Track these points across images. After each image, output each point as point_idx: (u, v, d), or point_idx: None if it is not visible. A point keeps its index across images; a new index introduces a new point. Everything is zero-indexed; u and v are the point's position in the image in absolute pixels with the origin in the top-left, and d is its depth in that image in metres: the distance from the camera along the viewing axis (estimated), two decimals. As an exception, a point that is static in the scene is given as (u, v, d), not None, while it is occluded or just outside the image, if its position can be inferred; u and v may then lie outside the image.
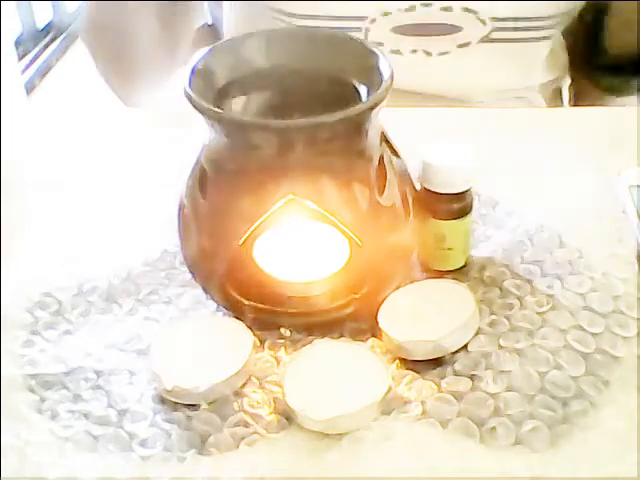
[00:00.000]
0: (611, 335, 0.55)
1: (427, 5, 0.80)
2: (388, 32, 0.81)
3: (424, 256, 0.60)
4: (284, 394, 0.51)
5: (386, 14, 0.80)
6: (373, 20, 0.80)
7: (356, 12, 0.79)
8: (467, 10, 0.80)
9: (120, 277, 0.61)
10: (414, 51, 0.83)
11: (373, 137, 0.52)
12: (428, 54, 0.83)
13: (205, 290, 0.58)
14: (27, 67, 2.11)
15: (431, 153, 0.57)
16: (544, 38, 0.85)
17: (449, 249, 0.59)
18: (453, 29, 0.82)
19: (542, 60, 0.88)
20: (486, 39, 0.82)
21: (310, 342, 0.55)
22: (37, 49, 2.20)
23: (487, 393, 0.52)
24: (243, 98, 0.55)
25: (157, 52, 0.89)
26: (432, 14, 0.80)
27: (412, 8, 0.80)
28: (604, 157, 0.70)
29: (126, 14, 0.85)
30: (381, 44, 0.81)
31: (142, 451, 0.50)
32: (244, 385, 0.53)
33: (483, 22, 0.81)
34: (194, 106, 0.50)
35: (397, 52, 0.82)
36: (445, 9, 0.80)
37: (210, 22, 0.97)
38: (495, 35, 0.82)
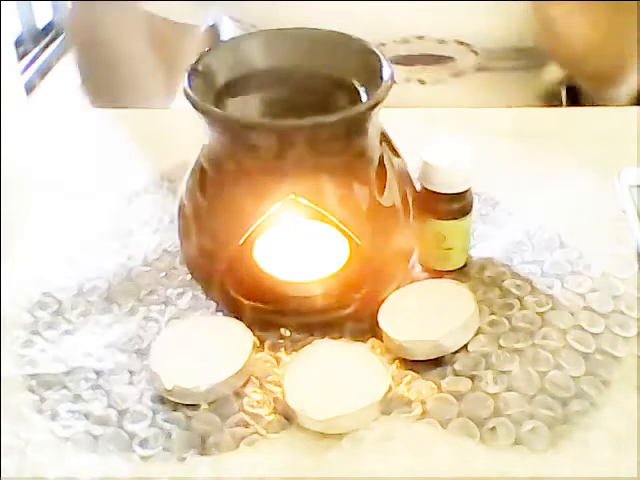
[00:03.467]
0: (611, 335, 0.55)
1: (420, 38, 0.81)
2: None
3: (424, 256, 0.60)
4: (284, 394, 0.51)
5: (380, 45, 0.80)
6: None
7: None
8: (460, 42, 0.81)
9: (120, 277, 0.61)
10: (408, 80, 0.83)
11: (373, 137, 0.52)
12: (422, 83, 0.83)
13: (205, 290, 0.58)
14: (27, 67, 2.11)
15: (431, 153, 0.57)
16: (539, 65, 0.85)
17: (449, 249, 0.59)
18: (446, 59, 0.82)
19: (539, 84, 0.88)
20: (479, 68, 0.82)
21: (310, 342, 0.55)
22: (37, 49, 2.20)
23: (487, 393, 0.52)
24: (243, 98, 0.55)
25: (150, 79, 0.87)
26: (426, 46, 0.81)
27: (406, 40, 0.81)
28: (604, 157, 0.70)
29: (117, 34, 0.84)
30: None
31: (142, 451, 0.50)
32: (244, 385, 0.53)
33: (475, 53, 0.81)
34: (194, 106, 0.50)
35: None
36: (438, 41, 0.81)
37: (211, 22, 0.97)
38: (489, 64, 0.82)
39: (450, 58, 0.82)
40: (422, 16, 0.80)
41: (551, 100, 0.94)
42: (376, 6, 0.79)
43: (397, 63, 0.82)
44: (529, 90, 0.88)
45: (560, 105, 0.96)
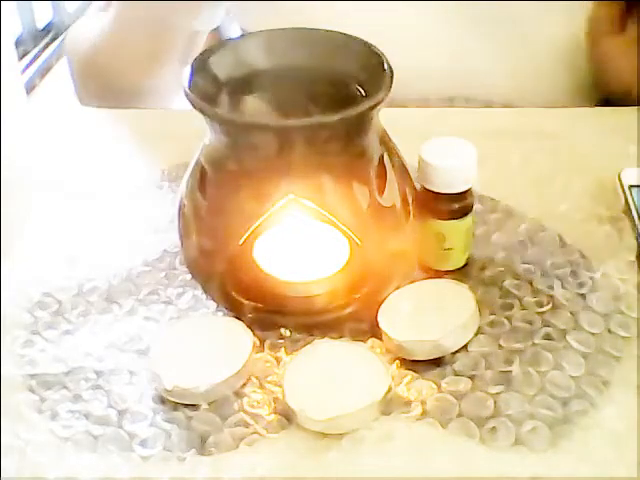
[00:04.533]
0: (611, 335, 0.55)
1: (468, 99, 0.81)
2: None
3: (424, 256, 0.60)
4: (284, 394, 0.51)
5: (424, 100, 0.80)
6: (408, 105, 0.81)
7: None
8: (508, 106, 0.80)
9: (120, 277, 0.61)
10: None
11: (373, 137, 0.52)
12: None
13: (205, 290, 0.58)
14: (27, 67, 2.11)
15: (431, 153, 0.57)
16: None
17: (449, 249, 0.59)
18: None
19: None
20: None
21: (310, 342, 0.55)
22: (37, 49, 2.20)
23: (487, 393, 0.52)
24: (243, 98, 0.55)
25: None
26: (472, 108, 0.81)
27: (452, 99, 0.81)
28: (604, 157, 0.70)
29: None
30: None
31: (142, 451, 0.50)
32: (244, 385, 0.53)
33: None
34: (194, 106, 0.50)
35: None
36: (485, 104, 0.81)
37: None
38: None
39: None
40: (470, 77, 0.80)
41: None
42: (424, 63, 0.79)
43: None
44: None
45: None
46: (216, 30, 0.95)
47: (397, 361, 0.54)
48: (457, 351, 0.54)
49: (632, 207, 0.64)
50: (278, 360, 0.55)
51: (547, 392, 0.52)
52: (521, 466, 0.48)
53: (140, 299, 0.59)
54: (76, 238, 0.65)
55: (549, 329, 0.56)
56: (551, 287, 0.59)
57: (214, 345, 0.54)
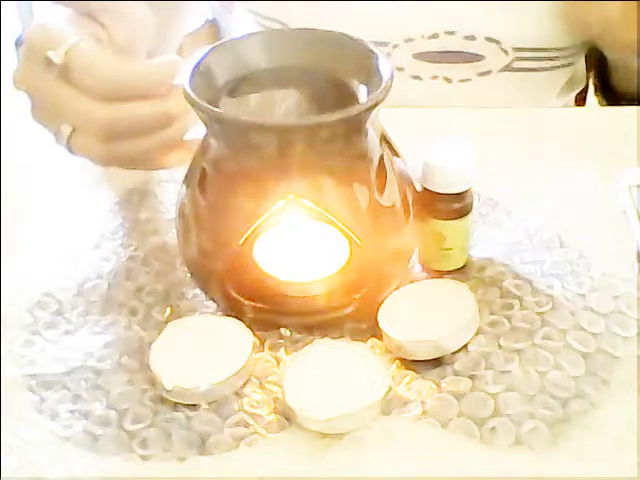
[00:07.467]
0: (611, 335, 0.55)
1: (450, 33, 0.80)
2: (410, 58, 0.82)
3: (424, 256, 0.60)
4: (284, 394, 0.51)
5: (408, 40, 0.80)
6: (395, 46, 0.80)
7: (379, 37, 0.79)
8: (490, 40, 0.80)
9: (120, 277, 0.61)
10: (434, 77, 0.83)
11: (373, 137, 0.52)
12: (448, 81, 0.83)
13: (205, 290, 0.58)
14: (27, 67, 2.10)
15: (431, 153, 0.57)
16: (565, 65, 0.85)
17: (449, 249, 0.59)
18: (475, 57, 0.82)
19: (562, 85, 0.88)
20: (507, 68, 0.82)
21: (310, 342, 0.55)
22: (37, 49, 2.20)
23: (487, 393, 0.52)
24: (243, 98, 0.55)
25: None
26: (455, 42, 0.81)
27: (435, 35, 0.80)
28: (604, 157, 0.70)
29: None
30: (402, 69, 0.81)
31: (142, 451, 0.50)
32: (244, 385, 0.53)
33: (505, 52, 0.81)
34: (194, 106, 0.50)
35: (417, 77, 0.83)
36: (468, 38, 0.80)
37: (210, 17, 0.96)
38: (517, 64, 0.82)
39: (479, 56, 0.82)
40: (453, 11, 0.80)
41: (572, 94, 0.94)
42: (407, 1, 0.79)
43: (424, 60, 0.82)
44: (553, 90, 0.88)
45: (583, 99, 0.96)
46: (213, 21, 0.94)
47: (397, 361, 0.54)
48: (457, 351, 0.54)
49: (632, 207, 0.64)
50: (278, 360, 0.55)
51: (547, 392, 0.52)
52: (521, 466, 0.48)
53: (140, 299, 0.59)
54: (76, 238, 0.65)
55: (549, 329, 0.56)
56: (551, 287, 0.59)
57: (214, 345, 0.54)
